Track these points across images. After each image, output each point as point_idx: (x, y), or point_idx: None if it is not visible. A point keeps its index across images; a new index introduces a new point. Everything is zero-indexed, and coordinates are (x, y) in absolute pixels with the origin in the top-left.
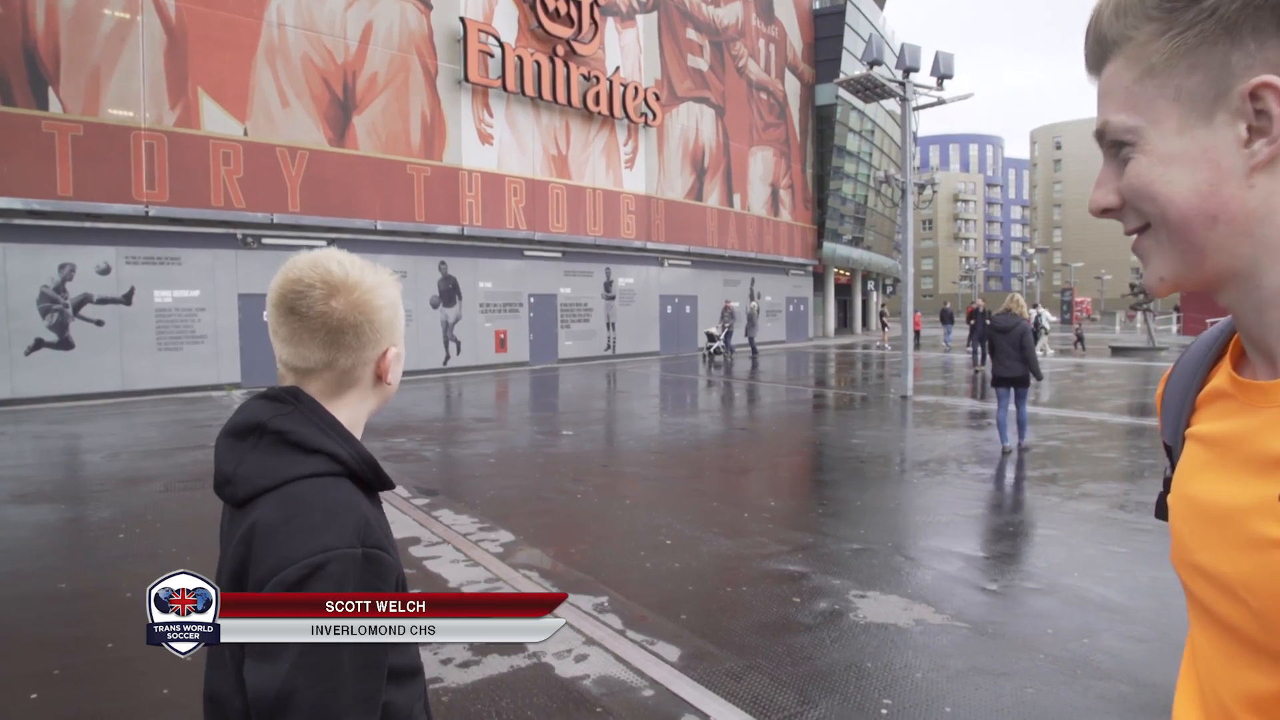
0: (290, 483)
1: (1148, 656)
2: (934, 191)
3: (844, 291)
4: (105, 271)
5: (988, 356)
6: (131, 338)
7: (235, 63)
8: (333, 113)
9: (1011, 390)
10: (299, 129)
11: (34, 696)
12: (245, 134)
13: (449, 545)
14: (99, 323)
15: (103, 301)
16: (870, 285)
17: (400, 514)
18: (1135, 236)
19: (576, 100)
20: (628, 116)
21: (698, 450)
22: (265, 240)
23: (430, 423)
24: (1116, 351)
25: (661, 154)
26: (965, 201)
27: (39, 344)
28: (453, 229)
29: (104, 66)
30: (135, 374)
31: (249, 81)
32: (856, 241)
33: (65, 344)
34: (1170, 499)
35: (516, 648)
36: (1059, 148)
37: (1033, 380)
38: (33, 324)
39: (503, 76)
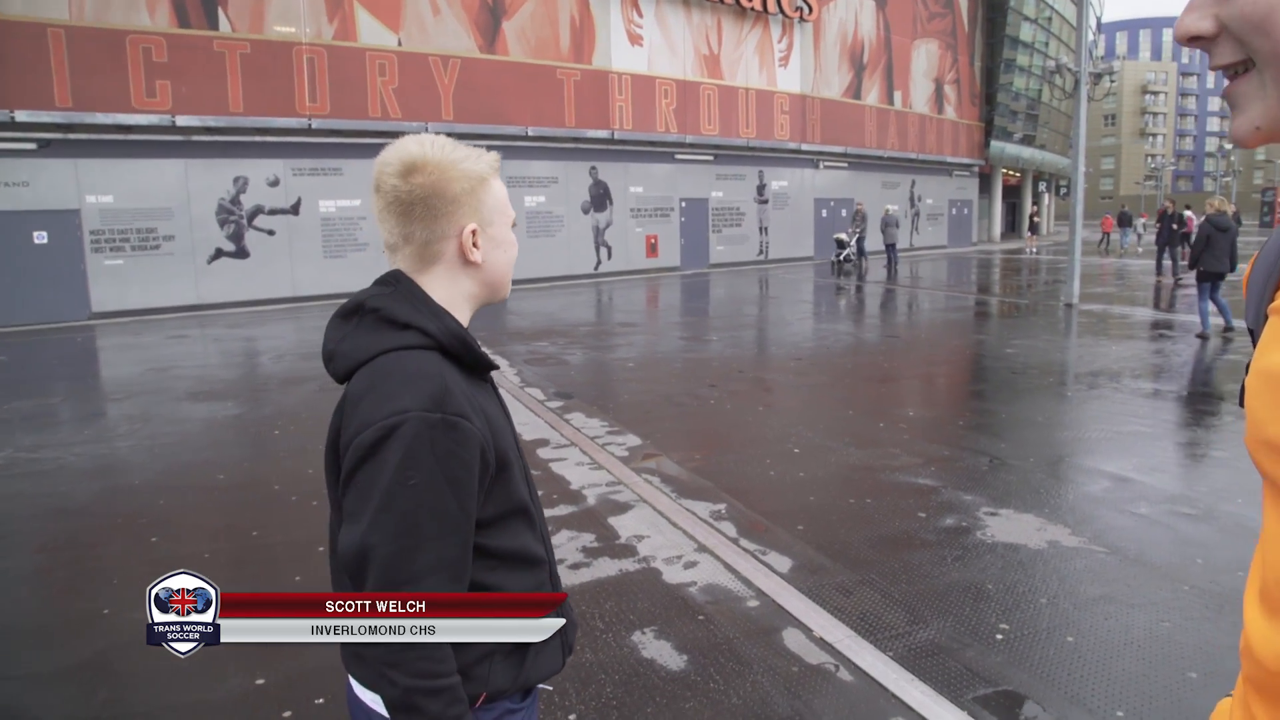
0: (381, 355)
1: None
2: (1113, 82)
3: (1012, 194)
4: (274, 184)
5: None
6: (300, 246)
7: None
8: (483, 19)
9: (1219, 284)
10: (450, 37)
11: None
12: (399, 44)
13: (576, 448)
14: (270, 232)
15: (273, 212)
16: (1042, 186)
17: (533, 415)
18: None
19: None
20: (782, 11)
21: (841, 357)
22: None
23: (575, 327)
24: None
25: (818, 50)
26: (1154, 93)
27: (219, 253)
28: (603, 133)
29: None
30: (304, 280)
31: None
32: (1028, 140)
33: (241, 253)
34: (1248, 379)
35: (628, 551)
36: None
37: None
38: (213, 234)
39: None
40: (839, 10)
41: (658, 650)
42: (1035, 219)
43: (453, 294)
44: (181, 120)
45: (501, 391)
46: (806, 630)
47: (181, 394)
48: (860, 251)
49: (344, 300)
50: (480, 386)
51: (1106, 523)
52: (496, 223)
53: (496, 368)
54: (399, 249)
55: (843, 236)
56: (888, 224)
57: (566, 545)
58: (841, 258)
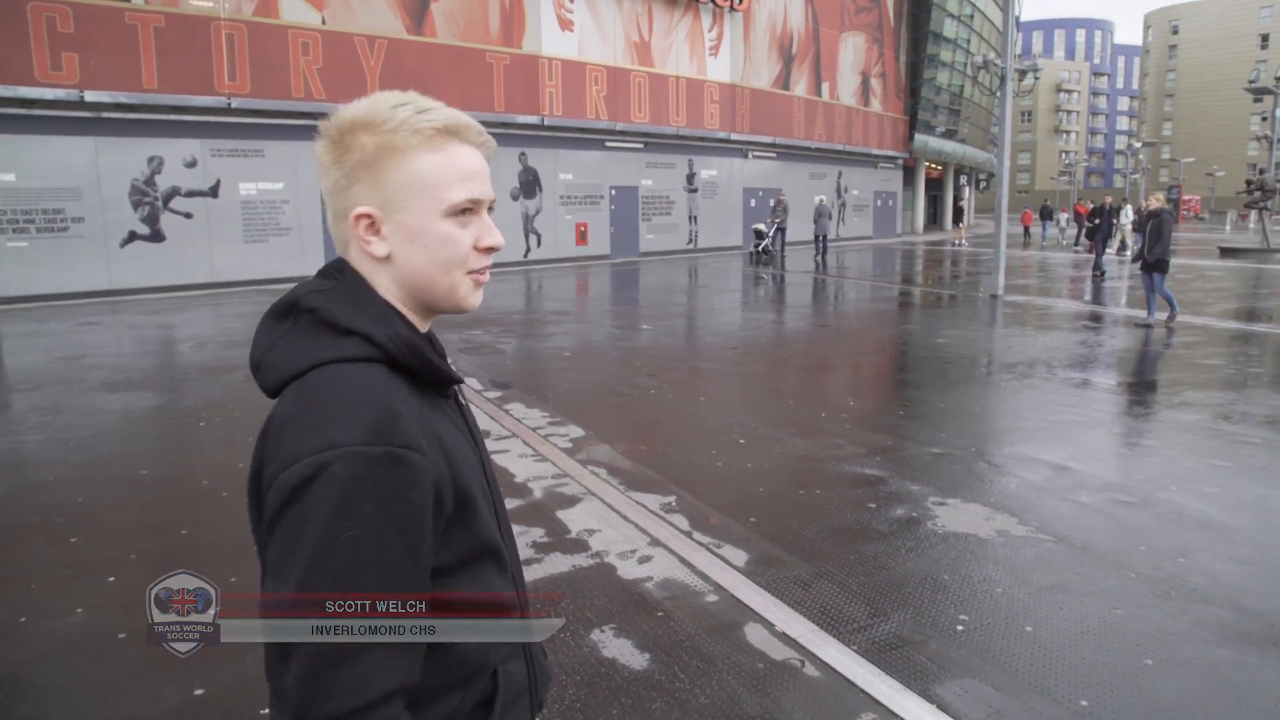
0: (314, 369)
1: (1249, 580)
2: (1035, 79)
3: (935, 186)
4: (192, 164)
5: (1137, 245)
6: (219, 230)
7: None
8: (411, 0)
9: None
10: (377, 17)
11: (111, 579)
12: (324, 23)
13: (518, 439)
14: (188, 215)
15: (190, 194)
16: (963, 180)
17: (471, 407)
18: None
19: None
20: (712, 1)
21: (776, 347)
22: None
23: (508, 315)
24: (1226, 253)
25: (747, 40)
26: (1068, 92)
27: (132, 236)
28: (533, 119)
29: None
30: (223, 266)
31: None
32: (950, 134)
33: (157, 236)
34: None
35: (579, 546)
36: (1175, 32)
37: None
38: (126, 217)
39: None
40: (768, 1)
41: (619, 649)
42: (962, 213)
43: (389, 289)
44: (90, 96)
45: (474, 408)
46: (769, 625)
47: (95, 384)
48: (780, 243)
49: (270, 289)
50: (440, 406)
51: (1050, 511)
52: (410, 208)
53: (459, 382)
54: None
55: (761, 227)
56: (820, 214)
57: (516, 540)
58: (760, 248)
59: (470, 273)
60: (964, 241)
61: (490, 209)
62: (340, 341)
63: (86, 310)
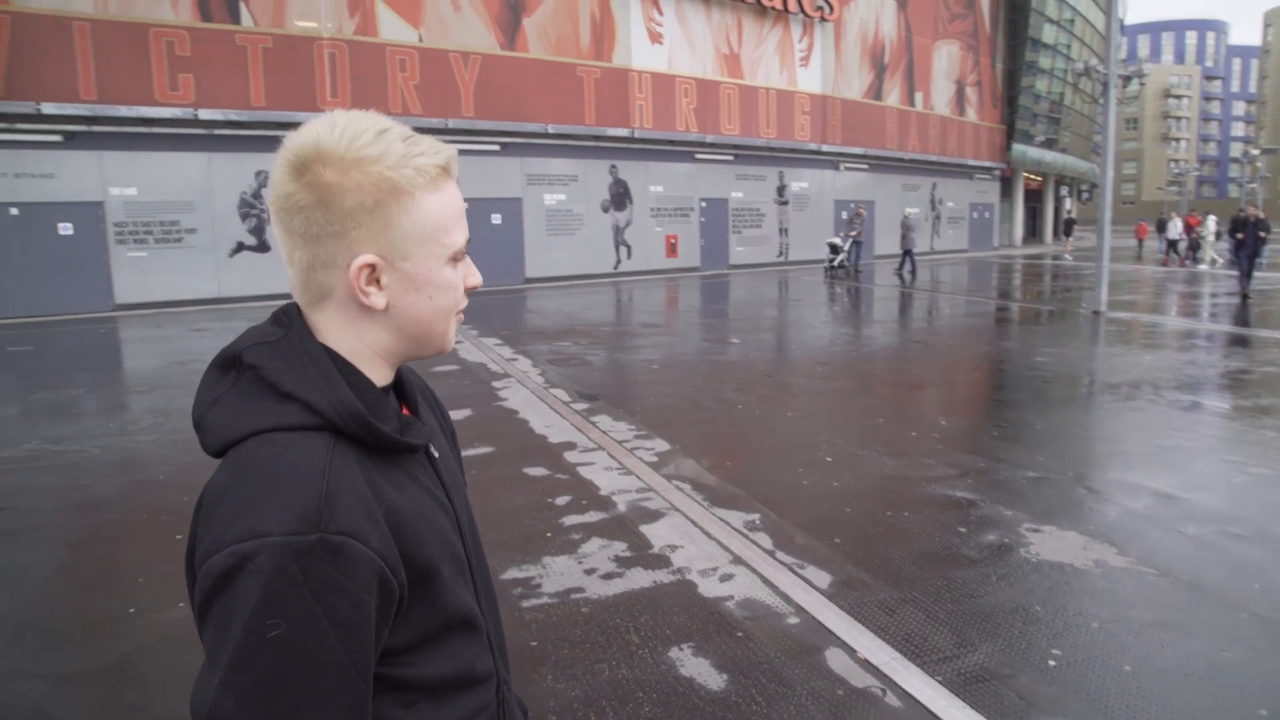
0: (251, 437)
1: None
2: (1141, 85)
3: (1034, 198)
4: None
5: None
6: None
7: None
8: (503, 15)
9: None
10: (471, 33)
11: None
12: (420, 40)
13: (604, 452)
14: None
15: None
16: (1064, 191)
17: (559, 418)
18: None
19: None
20: (803, 11)
21: (868, 363)
22: None
23: (597, 327)
24: None
25: (838, 51)
26: (1178, 97)
27: (240, 247)
28: (623, 131)
29: None
30: None
31: None
32: (1050, 143)
33: (262, 246)
34: None
35: (661, 561)
36: None
37: None
38: (234, 228)
39: None
40: (860, 10)
41: (696, 668)
42: (1073, 225)
43: (356, 344)
44: (204, 114)
45: (441, 465)
46: (850, 651)
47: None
48: (856, 256)
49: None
50: (402, 463)
51: (1154, 542)
52: (416, 256)
53: (416, 449)
54: (292, 272)
55: (836, 241)
56: (907, 228)
57: (598, 554)
58: (835, 263)
59: (456, 314)
60: (1069, 255)
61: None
62: (279, 407)
63: (197, 317)
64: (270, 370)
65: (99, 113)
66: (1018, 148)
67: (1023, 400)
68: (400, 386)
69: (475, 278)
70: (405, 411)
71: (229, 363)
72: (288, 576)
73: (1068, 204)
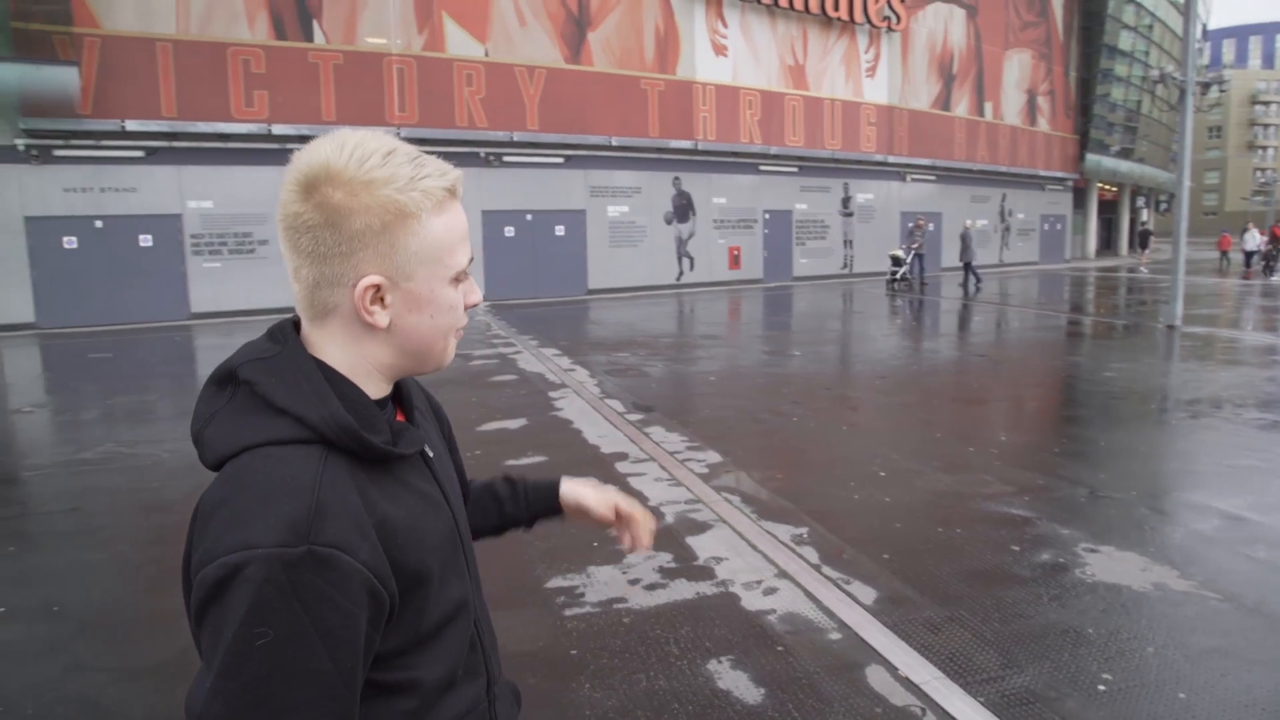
0: (246, 451)
1: None
2: (1222, 91)
3: (1108, 209)
4: None
5: None
6: None
7: None
8: (568, 30)
9: None
10: (536, 47)
11: None
12: (486, 55)
13: (655, 463)
14: None
15: None
16: (1140, 202)
17: (612, 428)
18: None
19: (814, 6)
20: (869, 21)
21: (928, 376)
22: (506, 158)
23: (657, 338)
24: None
25: (905, 61)
26: (1265, 104)
27: None
28: (686, 144)
29: None
30: None
31: (489, 3)
32: (1126, 153)
33: None
34: None
35: (705, 573)
36: None
37: None
38: None
39: None
40: (928, 20)
41: (734, 681)
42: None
43: (355, 360)
44: (277, 129)
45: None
46: (891, 668)
47: None
48: (919, 269)
49: None
50: (396, 471)
51: (1219, 566)
52: (420, 277)
53: (405, 456)
54: (298, 288)
55: (898, 253)
56: (966, 241)
57: (643, 565)
58: (898, 276)
59: (456, 331)
60: (1144, 268)
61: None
62: (273, 422)
63: (267, 325)
64: (264, 386)
65: (179, 129)
66: (1091, 158)
67: (1088, 416)
68: (397, 393)
69: (475, 296)
70: (400, 418)
71: (225, 378)
72: (276, 587)
73: (1144, 215)
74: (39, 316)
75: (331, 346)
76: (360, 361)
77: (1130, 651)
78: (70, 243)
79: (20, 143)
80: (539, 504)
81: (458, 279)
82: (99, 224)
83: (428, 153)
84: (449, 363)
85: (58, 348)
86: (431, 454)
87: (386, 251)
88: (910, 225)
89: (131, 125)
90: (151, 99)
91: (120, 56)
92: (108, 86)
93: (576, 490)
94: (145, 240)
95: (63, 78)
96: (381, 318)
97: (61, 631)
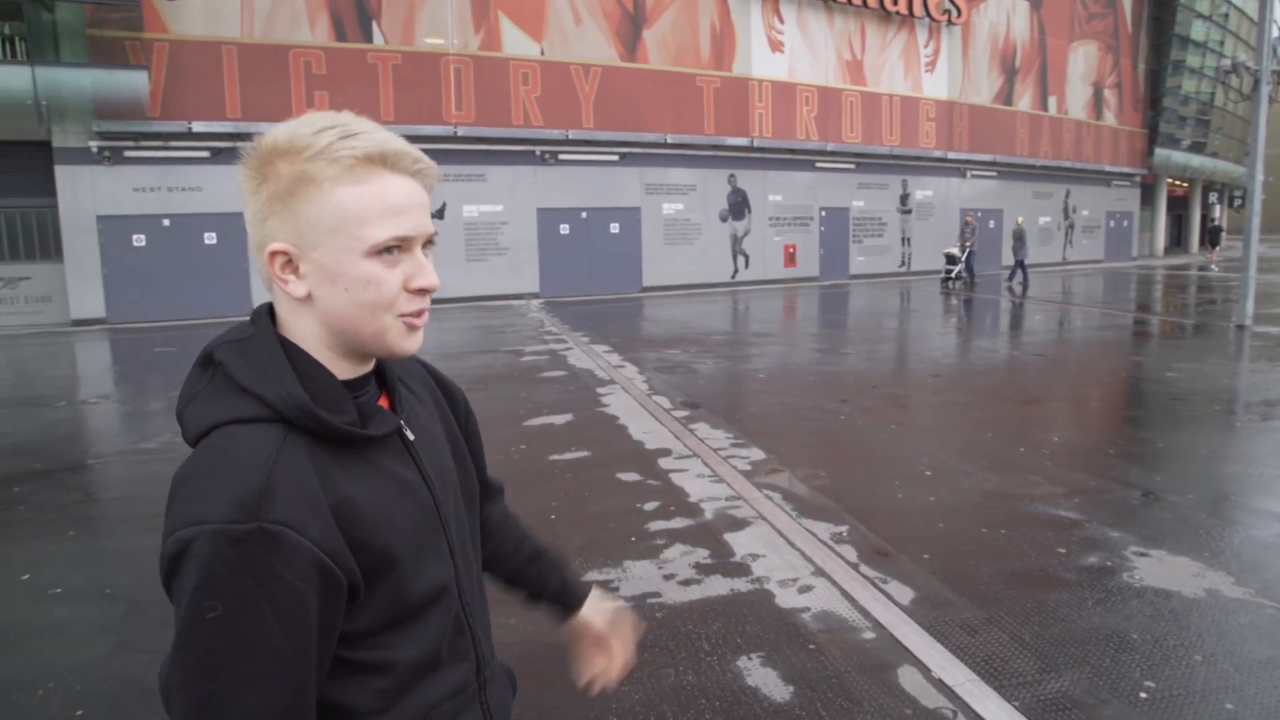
0: (214, 429)
1: None
2: None
3: (1178, 205)
4: None
5: None
6: (443, 249)
7: None
8: (624, 28)
9: None
10: (592, 46)
11: None
12: (542, 54)
13: (698, 459)
14: None
15: None
16: (1212, 197)
17: (657, 424)
18: None
19: (873, 0)
20: (928, 15)
21: (983, 375)
22: (561, 156)
23: (708, 335)
24: None
25: (966, 55)
26: None
27: None
28: (742, 141)
29: None
30: (447, 283)
31: (544, 2)
32: (1198, 147)
33: None
34: None
35: (741, 570)
36: None
37: None
38: None
39: None
40: (989, 13)
41: (763, 678)
42: (1219, 233)
43: (305, 334)
44: None
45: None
46: (924, 669)
47: None
48: (970, 270)
49: (488, 305)
50: (366, 455)
51: (1278, 573)
52: (326, 246)
53: (371, 437)
54: None
55: (953, 251)
56: (1018, 238)
57: (679, 560)
58: (953, 274)
59: (401, 316)
60: (1215, 266)
61: (429, 244)
62: (238, 401)
63: None
64: (233, 367)
65: (243, 130)
66: (1161, 152)
67: (1146, 417)
68: (385, 375)
69: (424, 278)
70: (385, 399)
71: (206, 361)
72: (223, 561)
73: (1216, 211)
74: (109, 312)
75: (287, 321)
76: (307, 336)
77: (1176, 659)
78: (139, 240)
79: (94, 144)
80: (556, 589)
81: (381, 254)
82: (166, 222)
83: (483, 150)
84: (407, 350)
85: (126, 342)
86: (412, 437)
87: (289, 218)
88: (960, 223)
89: (197, 126)
90: (217, 101)
91: (187, 60)
92: (175, 89)
93: (598, 609)
94: (210, 238)
95: (133, 81)
96: (296, 287)
97: (111, 613)
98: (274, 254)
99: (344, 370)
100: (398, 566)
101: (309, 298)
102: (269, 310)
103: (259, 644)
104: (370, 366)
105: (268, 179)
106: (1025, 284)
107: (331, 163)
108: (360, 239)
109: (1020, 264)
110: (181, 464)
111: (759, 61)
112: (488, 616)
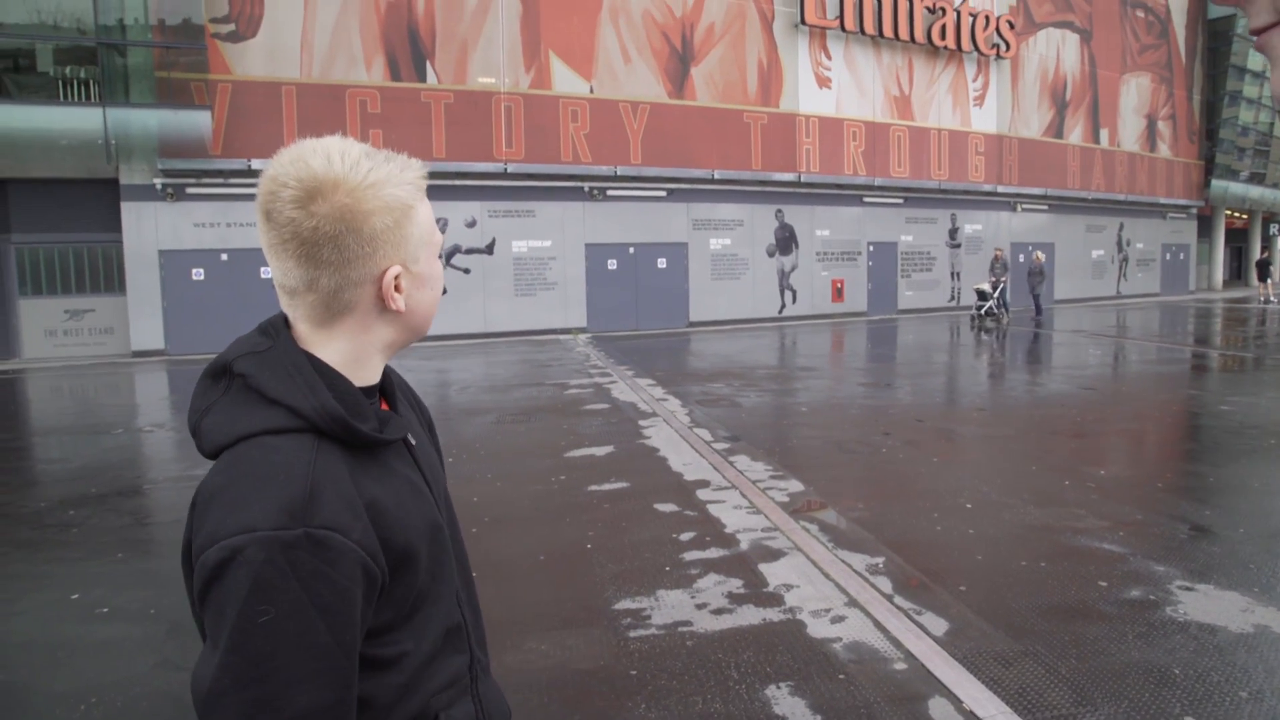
0: (242, 441)
1: None
2: None
3: (1237, 237)
4: (471, 224)
5: None
6: (493, 284)
7: (582, 24)
8: (672, 65)
9: None
10: (640, 83)
11: None
12: (591, 91)
13: (736, 490)
14: (466, 271)
15: (470, 251)
16: (1273, 229)
17: (697, 456)
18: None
19: (920, 35)
20: (977, 49)
21: (1030, 409)
22: (610, 192)
23: (753, 369)
24: None
25: (1015, 88)
26: None
27: None
28: (789, 176)
29: (470, 39)
30: (495, 317)
31: (594, 41)
32: (1257, 178)
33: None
34: None
35: (774, 600)
36: None
37: None
38: None
39: (840, 16)
40: (1039, 46)
41: (790, 707)
42: (1270, 266)
43: (360, 346)
44: None
45: (416, 466)
46: (955, 701)
47: None
48: (1003, 303)
49: (536, 339)
50: (382, 457)
51: None
52: (423, 258)
53: (393, 443)
54: (301, 295)
55: (985, 287)
56: (1032, 273)
57: (712, 590)
58: (984, 311)
59: None
60: (1274, 299)
61: None
62: (267, 412)
63: None
64: (258, 379)
65: None
66: (1218, 184)
67: (1197, 451)
68: (383, 384)
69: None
70: (385, 407)
71: (220, 372)
72: (275, 567)
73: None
74: (168, 343)
75: (336, 341)
76: (366, 346)
77: (1220, 695)
78: (198, 274)
79: (158, 182)
80: None
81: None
82: (224, 257)
83: (532, 187)
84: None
85: (183, 373)
86: (414, 442)
87: (400, 242)
88: (991, 257)
89: (257, 164)
90: (275, 139)
91: (249, 100)
92: (236, 128)
93: None
94: (266, 272)
95: (196, 121)
96: (402, 302)
97: (155, 632)
98: (398, 277)
99: (367, 378)
100: (417, 563)
101: (404, 309)
102: (284, 322)
103: (309, 645)
104: (379, 376)
105: (364, 215)
106: (1037, 317)
107: (416, 187)
108: (435, 243)
109: (1036, 298)
110: (208, 475)
111: (806, 97)
112: (480, 614)
